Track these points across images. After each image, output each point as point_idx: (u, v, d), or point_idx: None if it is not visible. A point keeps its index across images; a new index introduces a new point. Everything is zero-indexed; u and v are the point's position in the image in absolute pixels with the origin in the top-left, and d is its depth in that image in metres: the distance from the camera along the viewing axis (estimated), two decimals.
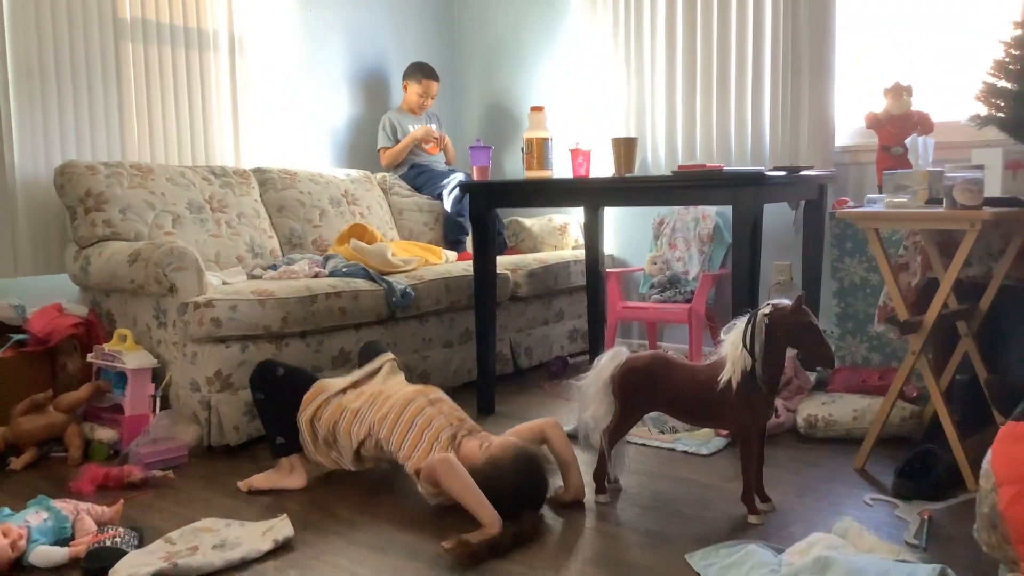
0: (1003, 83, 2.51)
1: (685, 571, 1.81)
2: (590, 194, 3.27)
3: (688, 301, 3.62)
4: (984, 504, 1.51)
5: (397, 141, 4.28)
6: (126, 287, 2.86)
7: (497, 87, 4.76)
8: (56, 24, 3.19)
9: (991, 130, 2.58)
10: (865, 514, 2.10)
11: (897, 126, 3.01)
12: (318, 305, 2.91)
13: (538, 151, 3.25)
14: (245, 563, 1.87)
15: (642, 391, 2.15)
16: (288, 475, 2.37)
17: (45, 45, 3.17)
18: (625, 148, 3.10)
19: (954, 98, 3.21)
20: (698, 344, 3.50)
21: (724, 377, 2.03)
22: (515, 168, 4.62)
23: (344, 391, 2.38)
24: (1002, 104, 2.51)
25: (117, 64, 3.38)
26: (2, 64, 3.06)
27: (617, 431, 2.19)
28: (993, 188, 2.31)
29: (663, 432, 2.80)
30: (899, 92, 3.02)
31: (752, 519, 2.06)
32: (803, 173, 2.99)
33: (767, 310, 2.01)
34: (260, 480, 2.37)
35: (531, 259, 3.91)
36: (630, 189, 2.99)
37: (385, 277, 3.22)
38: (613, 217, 4.25)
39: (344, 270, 3.21)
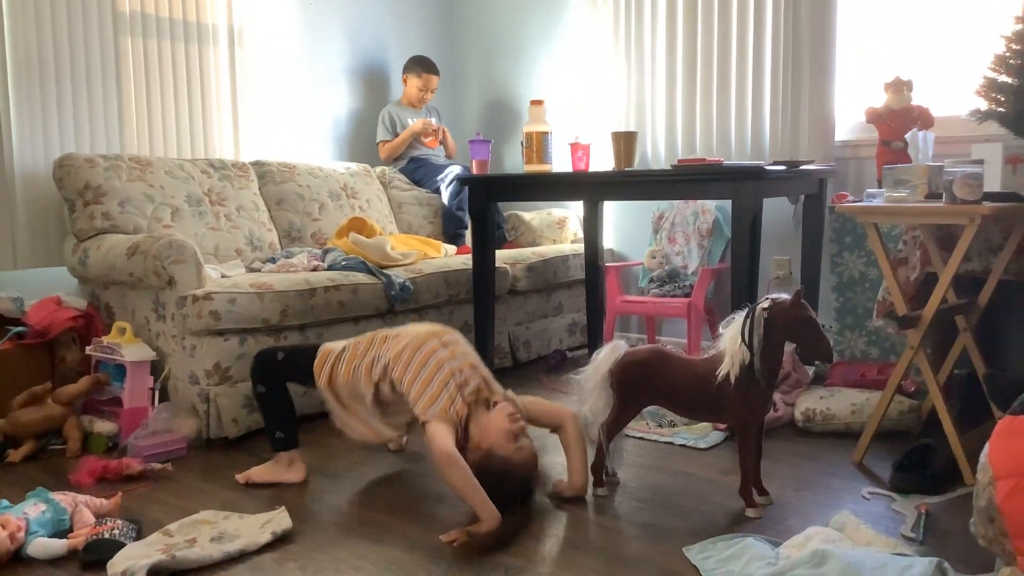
0: (1004, 78, 2.51)
1: (683, 564, 1.81)
2: (589, 188, 3.27)
3: (687, 295, 3.62)
4: (981, 498, 1.51)
5: (396, 134, 4.28)
6: (125, 280, 2.85)
7: (497, 81, 4.75)
8: (55, 17, 3.18)
9: (991, 125, 2.57)
10: (862, 508, 2.10)
11: (897, 121, 3.00)
12: (317, 298, 2.91)
13: (538, 145, 3.25)
14: (243, 556, 1.88)
15: (640, 385, 2.15)
16: (287, 469, 2.37)
17: (44, 38, 3.16)
18: (625, 142, 3.10)
19: (954, 93, 3.20)
20: (697, 338, 3.50)
21: (722, 371, 2.03)
22: (515, 162, 4.62)
23: (356, 344, 2.34)
24: (1002, 99, 2.51)
25: (116, 57, 3.37)
26: (1, 57, 3.06)
27: (615, 425, 2.19)
28: (993, 183, 2.30)
29: (661, 426, 2.80)
30: (899, 87, 3.01)
31: (750, 512, 2.07)
32: (803, 167, 2.99)
33: (766, 304, 2.01)
34: (258, 473, 2.37)
35: (530, 253, 3.91)
36: (629, 183, 2.99)
37: (384, 271, 3.22)
38: (612, 211, 4.25)
39: (343, 263, 3.20)
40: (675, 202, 3.98)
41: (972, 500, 1.56)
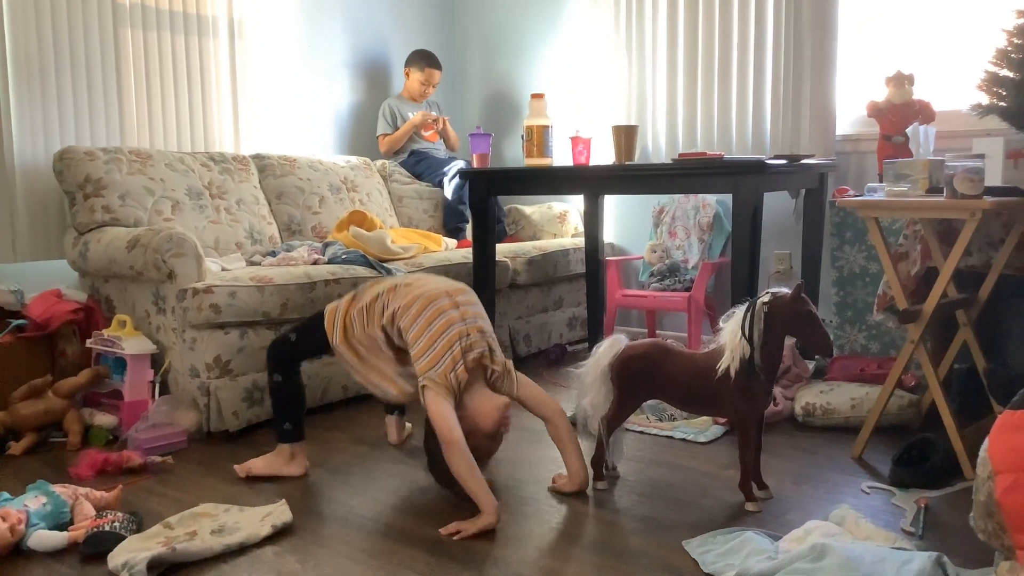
0: (1005, 72, 2.50)
1: (682, 558, 1.81)
2: (590, 182, 3.26)
3: (687, 289, 3.62)
4: (980, 492, 1.51)
5: (397, 128, 4.27)
6: (125, 273, 2.85)
7: (497, 74, 4.74)
8: (55, 10, 3.18)
9: (992, 119, 2.57)
10: (862, 502, 2.10)
11: (898, 115, 3.00)
12: (317, 292, 2.91)
13: (538, 139, 3.25)
14: (244, 548, 1.88)
15: (640, 379, 2.15)
16: (288, 462, 2.36)
17: (44, 30, 3.15)
18: (625, 136, 3.10)
19: (956, 87, 3.19)
20: (697, 332, 3.50)
21: (723, 365, 2.03)
22: (515, 156, 4.61)
23: (364, 292, 2.31)
24: (1004, 93, 2.50)
25: (116, 50, 3.36)
26: (1, 50, 3.05)
27: (615, 419, 2.19)
28: (994, 177, 2.30)
29: (661, 420, 2.80)
30: (901, 81, 3.01)
31: (749, 506, 2.07)
32: (804, 162, 2.98)
33: (766, 298, 2.01)
34: (259, 465, 2.36)
35: (530, 247, 3.91)
36: (630, 177, 2.99)
37: (384, 264, 3.22)
38: (613, 205, 4.25)
39: (343, 257, 3.20)
40: (676, 196, 3.98)
41: (971, 494, 1.56)
